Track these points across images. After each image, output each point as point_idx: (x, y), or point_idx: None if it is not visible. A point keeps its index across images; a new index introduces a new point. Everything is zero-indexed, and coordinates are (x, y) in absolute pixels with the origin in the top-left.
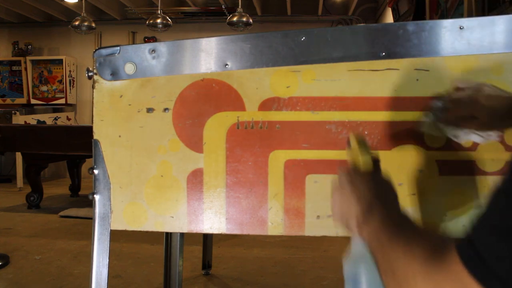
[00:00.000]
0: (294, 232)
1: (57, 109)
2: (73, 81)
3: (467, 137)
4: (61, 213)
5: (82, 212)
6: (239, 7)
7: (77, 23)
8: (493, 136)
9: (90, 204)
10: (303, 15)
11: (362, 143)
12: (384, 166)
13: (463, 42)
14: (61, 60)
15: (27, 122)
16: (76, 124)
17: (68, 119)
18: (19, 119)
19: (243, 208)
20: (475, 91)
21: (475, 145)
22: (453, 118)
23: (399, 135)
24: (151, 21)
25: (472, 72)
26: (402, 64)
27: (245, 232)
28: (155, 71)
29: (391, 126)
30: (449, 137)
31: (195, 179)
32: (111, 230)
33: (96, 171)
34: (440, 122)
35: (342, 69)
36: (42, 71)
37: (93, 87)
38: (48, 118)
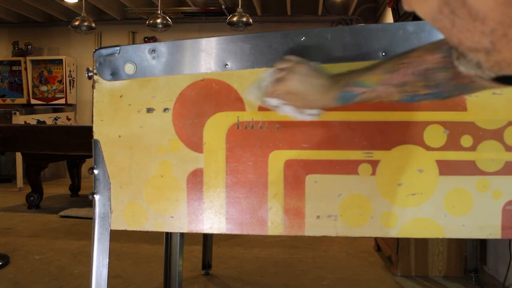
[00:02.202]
0: (294, 232)
1: (57, 109)
2: (73, 81)
3: (284, 110)
4: (61, 213)
5: (82, 212)
6: (239, 7)
7: (77, 23)
8: (309, 113)
9: (90, 204)
10: (303, 15)
11: None
12: (384, 166)
13: None
14: (61, 60)
15: (27, 122)
16: (76, 124)
17: (68, 119)
18: (19, 119)
19: (243, 208)
20: (290, 68)
21: (475, 145)
22: (271, 93)
23: (399, 135)
24: (151, 21)
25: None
26: None
27: (245, 232)
28: (155, 71)
29: (391, 126)
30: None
31: (195, 179)
32: (111, 230)
33: (96, 171)
34: (262, 93)
35: (342, 69)
36: (42, 71)
37: (93, 87)
38: (48, 118)
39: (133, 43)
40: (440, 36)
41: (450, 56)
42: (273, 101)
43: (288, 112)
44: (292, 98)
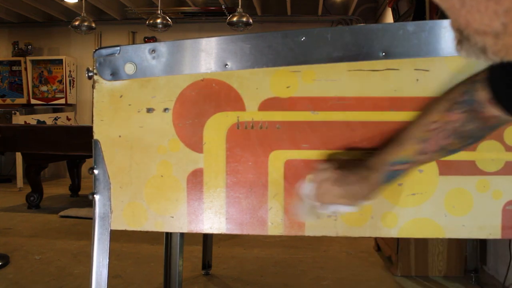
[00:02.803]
0: (294, 232)
1: (57, 109)
2: (73, 81)
3: (344, 210)
4: (61, 213)
5: (82, 212)
6: (239, 7)
7: (77, 23)
8: (364, 203)
9: (90, 204)
10: (303, 15)
11: None
12: None
13: None
14: (61, 60)
15: (27, 122)
16: (76, 124)
17: (68, 119)
18: (19, 119)
19: (243, 208)
20: (329, 182)
21: (475, 145)
22: (321, 205)
23: None
24: (151, 21)
25: (472, 72)
26: (402, 64)
27: (245, 232)
28: (155, 71)
29: (391, 126)
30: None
31: (195, 179)
32: (111, 230)
33: (96, 171)
34: (315, 205)
35: (342, 69)
36: (42, 71)
37: (93, 87)
38: (48, 118)
39: (133, 43)
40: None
41: (471, 105)
42: (330, 209)
43: (348, 210)
44: (343, 200)
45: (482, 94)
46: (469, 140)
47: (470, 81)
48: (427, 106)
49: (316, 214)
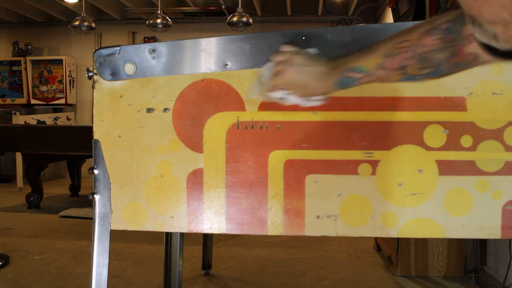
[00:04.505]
0: (294, 232)
1: (57, 109)
2: (73, 81)
3: (289, 100)
4: (61, 213)
5: (82, 212)
6: (239, 7)
7: (77, 23)
8: (314, 99)
9: (90, 204)
10: (303, 15)
11: None
12: (384, 166)
13: None
14: (61, 60)
15: (27, 122)
16: (76, 124)
17: (68, 119)
18: (19, 119)
19: (243, 208)
20: (287, 61)
21: (475, 145)
22: (272, 87)
23: (399, 135)
24: (151, 21)
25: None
26: None
27: (245, 232)
28: (155, 71)
29: (391, 126)
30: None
31: (195, 179)
32: (111, 230)
33: (96, 171)
34: (266, 86)
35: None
36: (42, 71)
37: (93, 87)
38: (48, 118)
39: (133, 43)
40: None
41: (450, 34)
42: (277, 94)
43: (294, 101)
44: (294, 88)
45: (469, 28)
46: (430, 69)
47: (460, 12)
48: (410, 26)
49: (264, 95)
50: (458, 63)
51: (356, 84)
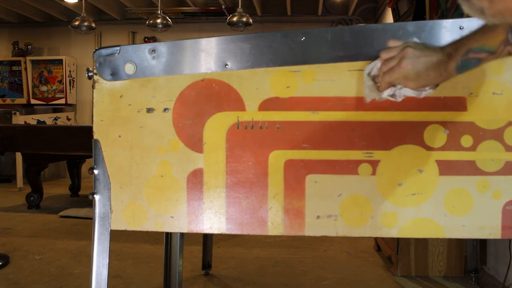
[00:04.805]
0: (294, 232)
1: (57, 109)
2: (73, 81)
3: (401, 94)
4: (61, 213)
5: (82, 212)
6: (239, 7)
7: (77, 23)
8: (427, 90)
9: (90, 204)
10: (303, 15)
11: None
12: (384, 166)
13: None
14: (61, 60)
15: (27, 122)
16: (76, 124)
17: (68, 119)
18: (19, 119)
19: (243, 208)
20: (399, 55)
21: (475, 145)
22: (384, 80)
23: (399, 135)
24: (151, 21)
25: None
26: None
27: (245, 232)
28: (155, 71)
29: (391, 126)
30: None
31: (195, 179)
32: (111, 230)
33: (96, 171)
34: (375, 84)
35: (342, 69)
36: (42, 71)
37: (93, 87)
38: (48, 118)
39: (133, 43)
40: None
41: None
42: (388, 92)
43: (408, 94)
44: (409, 81)
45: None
46: None
47: None
48: None
49: (375, 93)
50: None
51: (480, 64)
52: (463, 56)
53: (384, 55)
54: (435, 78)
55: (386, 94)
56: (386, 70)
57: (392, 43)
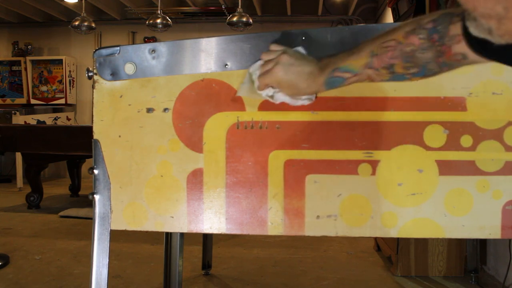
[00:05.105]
0: (294, 232)
1: (57, 109)
2: (73, 81)
3: (279, 98)
4: (61, 213)
5: (82, 212)
6: (239, 7)
7: (77, 23)
8: (302, 99)
9: (90, 204)
10: (303, 15)
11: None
12: (384, 166)
13: None
14: (61, 60)
15: (27, 122)
16: (76, 124)
17: (68, 119)
18: (19, 119)
19: (243, 208)
20: (275, 59)
21: (475, 145)
22: (262, 84)
23: (399, 135)
24: (151, 21)
25: (472, 72)
26: None
27: (245, 232)
28: (155, 71)
29: (391, 126)
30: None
31: (195, 179)
32: (111, 230)
33: (96, 171)
34: (255, 87)
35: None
36: (42, 71)
37: (93, 87)
38: (48, 118)
39: (133, 43)
40: None
41: (435, 34)
42: (267, 92)
43: (284, 99)
44: (282, 87)
45: (456, 28)
46: (418, 68)
47: (444, 12)
48: (396, 25)
49: (254, 93)
50: (446, 62)
51: (345, 84)
52: (330, 73)
53: (264, 57)
54: (305, 88)
55: (264, 94)
56: (262, 72)
57: (273, 47)
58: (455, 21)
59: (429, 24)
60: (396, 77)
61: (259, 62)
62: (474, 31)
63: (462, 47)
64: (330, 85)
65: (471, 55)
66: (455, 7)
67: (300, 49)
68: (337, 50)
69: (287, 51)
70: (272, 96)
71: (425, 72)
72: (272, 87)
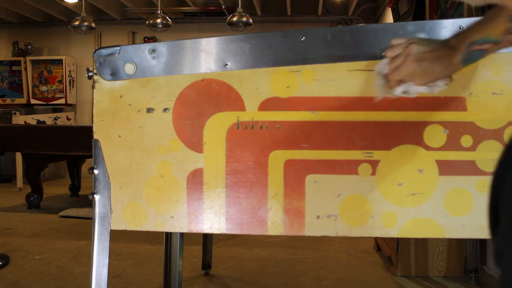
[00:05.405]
0: (294, 232)
1: (57, 109)
2: (73, 81)
3: (415, 91)
4: (61, 213)
5: (82, 212)
6: (239, 7)
7: (77, 23)
8: (439, 85)
9: (90, 204)
10: (303, 15)
11: None
12: (384, 166)
13: None
14: (61, 60)
15: (27, 122)
16: (76, 124)
17: (68, 119)
18: (19, 119)
19: (243, 208)
20: (404, 52)
21: (475, 145)
22: (393, 78)
23: (399, 135)
24: (151, 21)
25: (472, 72)
26: None
27: (245, 232)
28: (155, 71)
29: (391, 126)
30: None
31: (195, 179)
32: (111, 230)
33: (96, 171)
34: (387, 83)
35: (342, 69)
36: (42, 71)
37: (93, 87)
38: (48, 118)
39: (133, 43)
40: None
41: None
42: (400, 89)
43: (420, 90)
44: (418, 77)
45: None
46: None
47: None
48: None
49: (388, 92)
50: None
51: (485, 55)
52: (468, 48)
53: (390, 54)
54: (442, 72)
55: (398, 91)
56: (393, 68)
57: (395, 41)
58: None
59: None
60: None
61: (385, 60)
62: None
63: None
64: (468, 61)
65: None
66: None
67: (423, 35)
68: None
69: (414, 40)
70: (406, 92)
71: None
72: (406, 81)
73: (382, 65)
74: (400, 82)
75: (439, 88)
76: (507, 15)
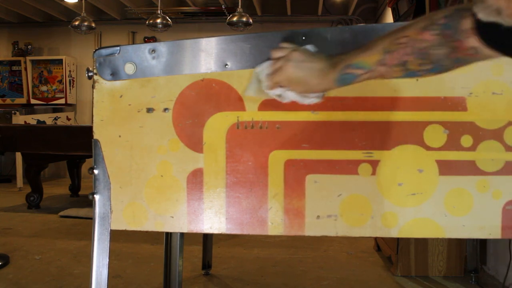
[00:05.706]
0: (294, 232)
1: (57, 109)
2: (73, 81)
3: (288, 97)
4: (61, 213)
5: (82, 212)
6: (239, 7)
7: (77, 23)
8: (311, 97)
9: (90, 204)
10: (303, 15)
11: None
12: (384, 166)
13: None
14: (61, 60)
15: (27, 122)
16: (76, 124)
17: (68, 119)
18: (19, 119)
19: (243, 208)
20: (285, 57)
21: (475, 145)
22: (272, 84)
23: (399, 135)
24: (151, 21)
25: (472, 72)
26: None
27: (245, 232)
28: (155, 71)
29: (391, 126)
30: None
31: (195, 179)
32: (111, 230)
33: (96, 171)
34: (263, 86)
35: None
36: (42, 71)
37: (93, 87)
38: (48, 118)
39: (133, 43)
40: None
41: (448, 29)
42: (275, 91)
43: (292, 98)
44: (293, 85)
45: (467, 22)
46: (431, 65)
47: (456, 8)
48: (409, 22)
49: (263, 93)
50: (459, 58)
51: (357, 81)
52: (342, 69)
53: (274, 54)
54: (316, 85)
55: (272, 93)
56: (272, 70)
57: (283, 45)
58: (467, 15)
59: (441, 20)
60: (409, 74)
61: (268, 62)
62: (483, 16)
63: (474, 41)
64: (341, 82)
65: (483, 49)
66: (467, 3)
67: (310, 47)
68: (345, 49)
69: (298, 48)
70: (280, 96)
71: (438, 69)
72: (282, 86)
73: (263, 66)
74: (277, 84)
75: (310, 101)
76: (383, 47)
